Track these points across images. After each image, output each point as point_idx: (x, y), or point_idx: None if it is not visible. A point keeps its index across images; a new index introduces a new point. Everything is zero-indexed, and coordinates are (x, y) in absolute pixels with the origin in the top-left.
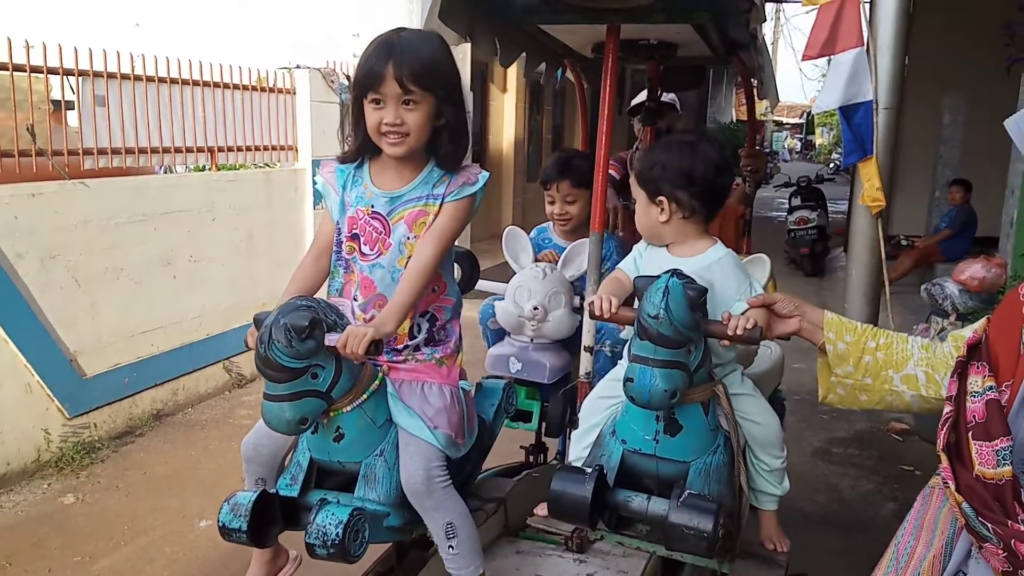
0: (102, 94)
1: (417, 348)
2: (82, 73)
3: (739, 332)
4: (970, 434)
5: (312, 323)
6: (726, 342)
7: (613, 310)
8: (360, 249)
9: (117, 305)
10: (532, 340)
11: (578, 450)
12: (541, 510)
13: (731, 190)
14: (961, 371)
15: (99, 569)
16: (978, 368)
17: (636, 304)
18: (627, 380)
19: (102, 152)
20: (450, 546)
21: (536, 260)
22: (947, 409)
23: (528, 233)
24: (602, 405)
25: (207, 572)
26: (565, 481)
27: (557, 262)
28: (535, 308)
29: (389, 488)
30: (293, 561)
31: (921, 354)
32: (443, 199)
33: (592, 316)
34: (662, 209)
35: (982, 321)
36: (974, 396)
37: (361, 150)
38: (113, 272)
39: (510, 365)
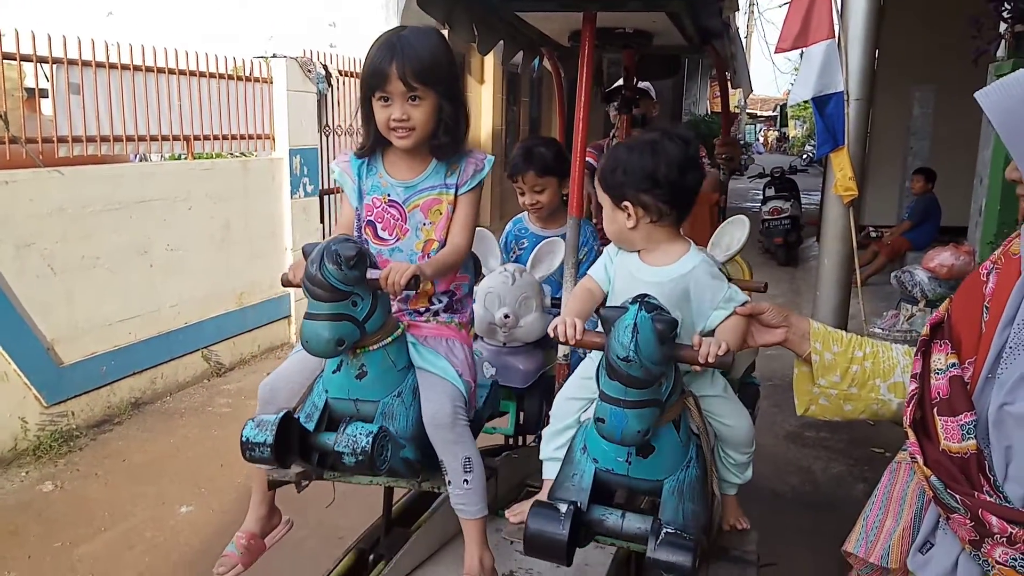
0: (77, 82)
1: (436, 313)
2: (56, 61)
3: (710, 359)
4: (935, 410)
5: (359, 253)
6: (697, 368)
7: (578, 336)
8: (377, 234)
9: (94, 293)
10: (504, 344)
11: (549, 450)
12: (513, 516)
13: (700, 187)
14: (925, 350)
15: (79, 555)
16: (941, 346)
17: (600, 326)
18: (598, 419)
19: (77, 140)
20: (465, 480)
21: (504, 261)
22: (912, 387)
23: (505, 225)
24: (572, 406)
25: (188, 558)
26: (541, 520)
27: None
28: (506, 316)
29: (406, 424)
30: (285, 524)
31: (906, 361)
32: (457, 189)
33: (556, 341)
34: (628, 215)
35: (945, 302)
36: (938, 373)
37: (375, 144)
38: (89, 260)
39: (484, 370)
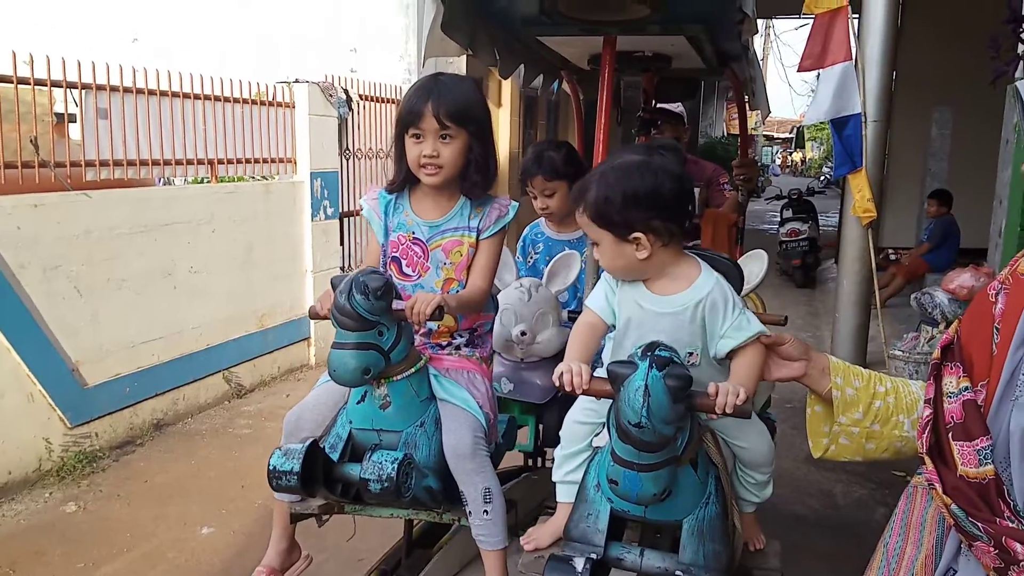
0: (104, 107)
1: (458, 347)
2: (85, 86)
3: (728, 410)
4: (951, 435)
5: (387, 285)
6: (714, 416)
7: (585, 385)
8: (401, 270)
9: (118, 315)
10: (522, 360)
11: (561, 474)
12: (528, 544)
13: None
14: (936, 373)
15: (101, 575)
16: (952, 369)
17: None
18: (611, 481)
19: (104, 164)
20: (485, 511)
21: (519, 277)
22: (926, 412)
23: (521, 231)
24: (582, 430)
25: None
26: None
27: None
28: (523, 333)
29: (428, 454)
30: (304, 559)
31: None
32: (479, 233)
33: (562, 390)
34: (639, 246)
35: (955, 323)
36: (950, 397)
37: (405, 181)
38: (114, 282)
39: (502, 385)
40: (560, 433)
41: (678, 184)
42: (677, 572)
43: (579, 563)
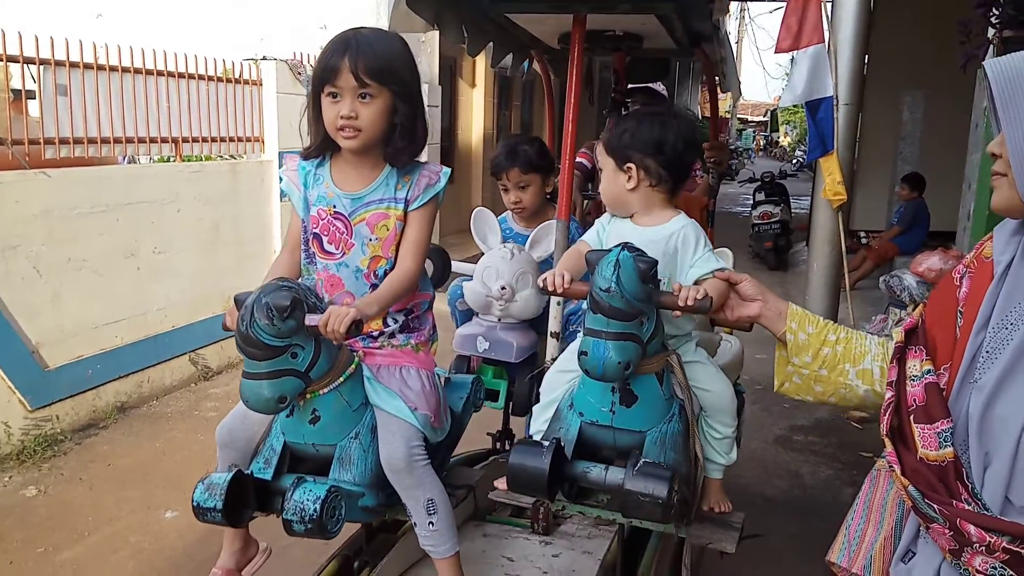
0: (64, 83)
1: (392, 335)
2: (43, 62)
3: (689, 303)
4: (912, 417)
5: (293, 303)
6: (677, 313)
7: (565, 285)
8: (323, 248)
9: (80, 296)
10: (499, 320)
11: (538, 424)
12: (501, 484)
13: (694, 170)
14: (900, 356)
15: (62, 560)
16: (916, 352)
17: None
18: (581, 353)
19: (64, 142)
20: (430, 522)
21: (503, 242)
22: (888, 394)
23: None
24: (562, 379)
25: (173, 562)
26: (523, 455)
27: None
28: (503, 288)
29: (364, 469)
30: (263, 552)
31: (878, 350)
32: (407, 205)
33: (544, 292)
34: (629, 176)
35: (919, 307)
36: (913, 380)
37: (322, 147)
38: (76, 263)
39: (478, 344)
40: (540, 389)
41: (681, 142)
42: (643, 461)
43: (545, 442)
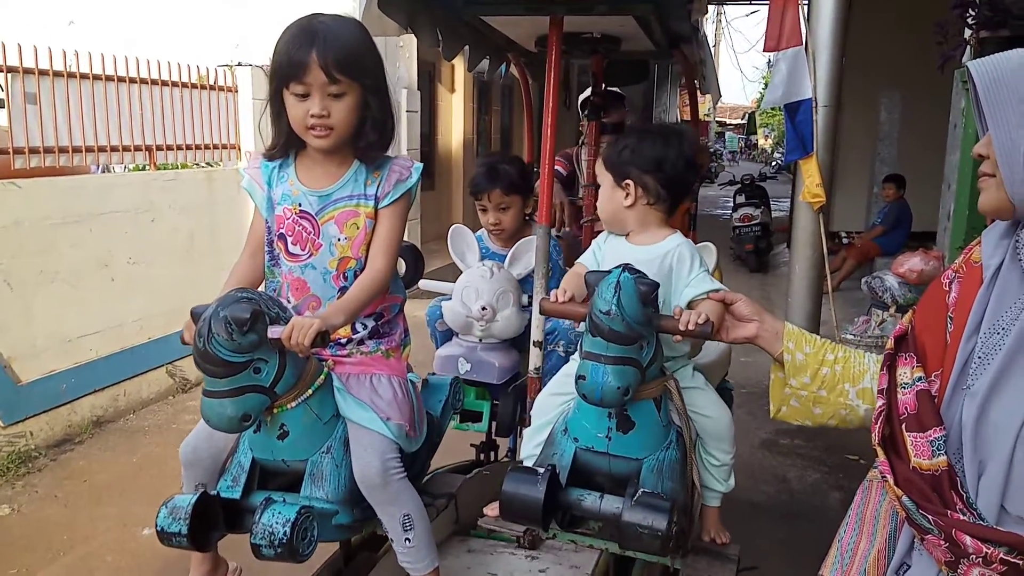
0: (33, 91)
1: (361, 342)
2: (11, 70)
3: (690, 327)
4: (903, 426)
5: (254, 315)
6: (678, 337)
7: (565, 298)
8: (288, 249)
9: (53, 309)
10: (480, 340)
11: (530, 448)
12: (492, 511)
13: (693, 186)
14: (890, 363)
15: None
16: (906, 359)
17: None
18: (579, 377)
19: (34, 151)
20: (407, 539)
21: (482, 259)
22: (879, 403)
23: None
24: (555, 402)
25: None
26: (517, 482)
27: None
28: (483, 308)
29: (337, 485)
30: (232, 572)
31: (877, 368)
32: (377, 201)
33: (542, 311)
34: (627, 193)
35: (908, 313)
36: (904, 388)
37: (287, 147)
38: (48, 275)
39: (459, 366)
40: (531, 413)
41: (681, 162)
42: (641, 491)
43: (540, 470)
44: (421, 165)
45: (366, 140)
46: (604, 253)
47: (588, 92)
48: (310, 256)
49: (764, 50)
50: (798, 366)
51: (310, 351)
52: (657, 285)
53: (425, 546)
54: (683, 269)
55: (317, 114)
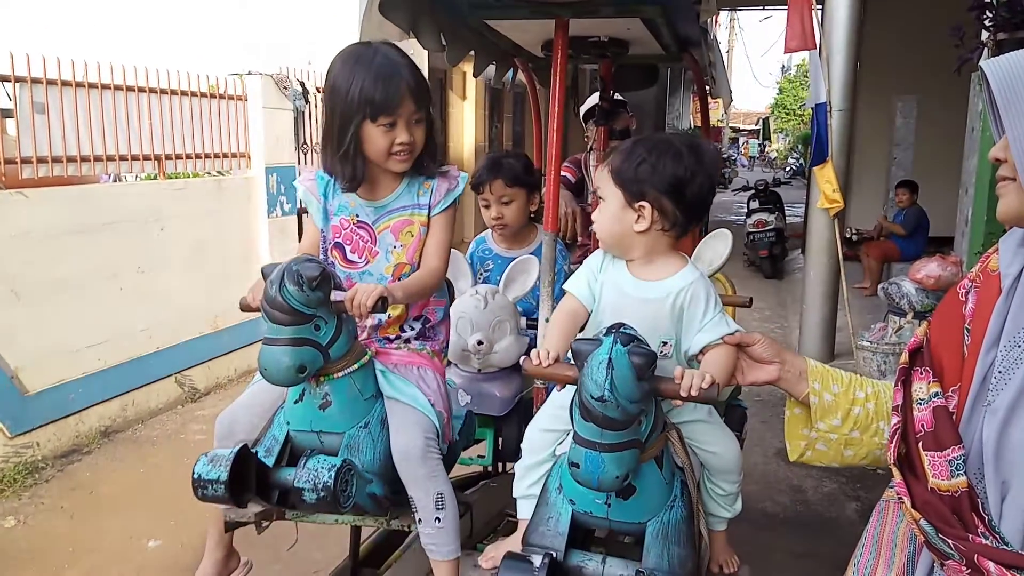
0: (41, 101)
1: (408, 340)
2: (19, 79)
3: (693, 392)
4: (920, 444)
5: (323, 274)
6: (678, 402)
7: (550, 360)
8: (346, 257)
9: (60, 319)
10: (479, 371)
11: (523, 488)
12: (487, 562)
13: (709, 203)
14: (905, 378)
15: None
16: (922, 374)
17: (574, 359)
18: (572, 464)
19: (42, 161)
20: (437, 518)
21: (474, 284)
22: (894, 420)
23: (468, 245)
24: (547, 439)
25: None
26: (513, 574)
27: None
28: (480, 343)
29: (373, 458)
30: (244, 566)
31: None
32: (430, 210)
33: (524, 372)
34: (641, 216)
35: (923, 324)
36: (920, 404)
37: (361, 180)
38: (55, 285)
39: (459, 398)
40: (522, 445)
41: (705, 185)
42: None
43: (537, 560)
44: (466, 175)
45: (429, 154)
46: (601, 284)
47: (592, 100)
48: (367, 263)
49: (785, 51)
50: (827, 408)
51: (370, 313)
52: (654, 356)
53: (453, 531)
54: (697, 311)
55: (407, 142)
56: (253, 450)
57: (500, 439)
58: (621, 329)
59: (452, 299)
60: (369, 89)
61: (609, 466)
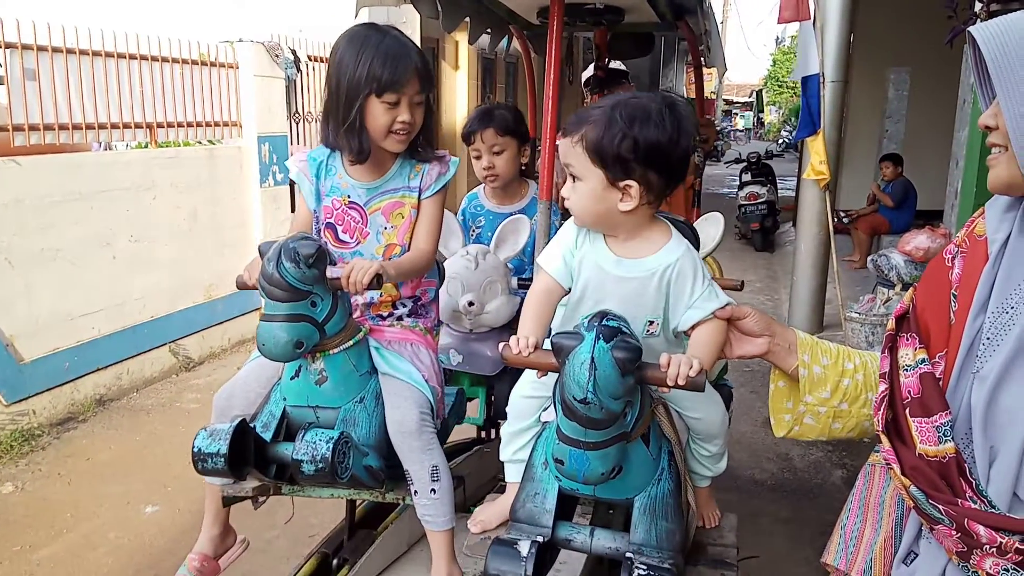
0: (32, 68)
1: (400, 318)
2: (10, 46)
3: (681, 382)
4: (907, 411)
5: (319, 251)
6: (665, 389)
7: (528, 350)
8: (337, 237)
9: (54, 287)
10: (471, 331)
11: (509, 453)
12: (475, 525)
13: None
14: (891, 345)
15: (39, 558)
16: (908, 340)
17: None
18: (556, 460)
19: (34, 128)
20: (432, 490)
21: (465, 243)
22: (882, 387)
23: (459, 202)
24: (531, 405)
25: (152, 559)
26: (502, 561)
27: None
28: (470, 303)
29: (369, 432)
30: (240, 544)
31: None
32: (420, 192)
33: (503, 360)
34: (627, 196)
35: (909, 291)
36: (907, 370)
37: (368, 152)
38: (49, 253)
39: (451, 357)
40: (507, 410)
41: (687, 145)
42: (628, 553)
43: (524, 547)
44: (458, 160)
45: (426, 137)
46: (579, 262)
47: (591, 69)
48: (358, 243)
49: (779, 21)
50: (816, 380)
51: (366, 289)
52: (639, 349)
53: (448, 502)
54: (685, 286)
55: (409, 121)
56: (251, 425)
57: (492, 399)
58: (604, 321)
59: (442, 280)
60: (379, 65)
61: (594, 463)
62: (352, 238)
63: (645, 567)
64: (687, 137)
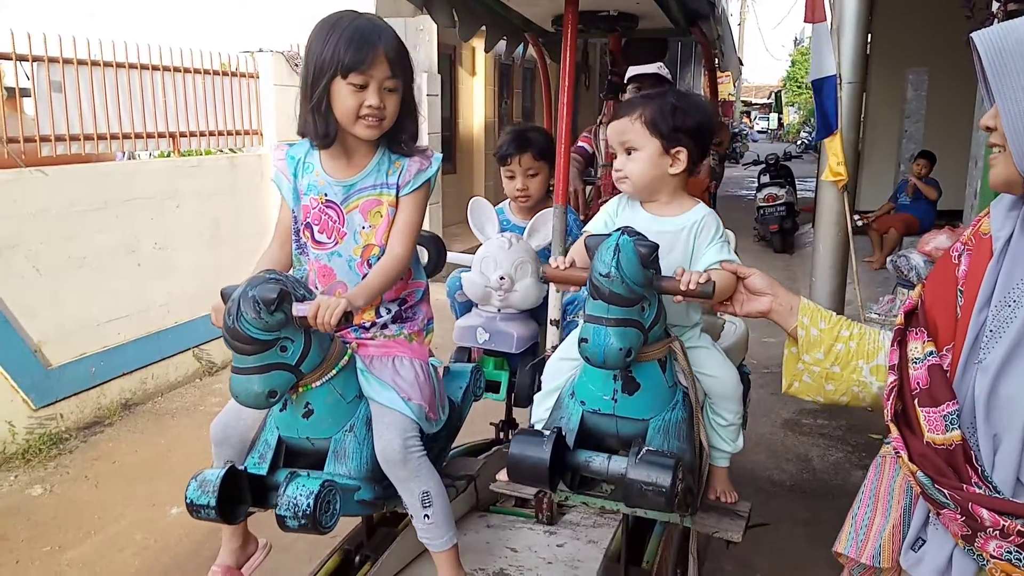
0: (58, 80)
1: (384, 326)
2: (37, 59)
3: (691, 287)
4: (916, 401)
5: (281, 295)
6: (679, 298)
7: (565, 265)
8: (314, 238)
9: (81, 294)
10: (499, 311)
11: (540, 412)
12: (502, 475)
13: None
14: (901, 339)
15: (68, 559)
16: (917, 334)
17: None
18: (582, 340)
19: (60, 139)
20: (426, 515)
21: (501, 232)
22: (891, 378)
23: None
24: (564, 367)
25: (178, 560)
26: (523, 444)
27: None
28: (501, 278)
29: (360, 462)
30: (263, 549)
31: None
32: (398, 190)
33: (543, 280)
34: (676, 161)
35: (917, 287)
36: (915, 363)
37: (332, 136)
38: (75, 261)
39: (477, 336)
40: (541, 377)
41: (714, 125)
42: (646, 449)
43: (546, 432)
44: (441, 156)
45: (408, 132)
46: (618, 223)
47: (633, 70)
48: (336, 244)
49: (805, 20)
50: (812, 341)
51: (336, 330)
52: (656, 247)
53: (444, 523)
54: (706, 238)
55: (376, 105)
56: (244, 464)
57: (514, 383)
58: (628, 228)
59: (436, 271)
60: (343, 46)
61: (614, 339)
62: (330, 238)
63: (651, 450)
64: (711, 119)
